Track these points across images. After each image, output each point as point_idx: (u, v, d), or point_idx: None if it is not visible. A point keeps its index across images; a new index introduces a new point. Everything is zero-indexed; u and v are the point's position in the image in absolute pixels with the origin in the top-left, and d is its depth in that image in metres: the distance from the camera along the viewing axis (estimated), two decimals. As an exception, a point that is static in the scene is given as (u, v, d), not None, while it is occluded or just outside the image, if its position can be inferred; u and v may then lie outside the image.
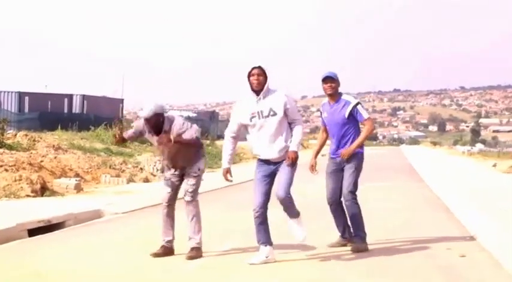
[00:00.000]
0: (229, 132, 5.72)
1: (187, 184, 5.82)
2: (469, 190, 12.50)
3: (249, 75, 5.44)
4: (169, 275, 5.16)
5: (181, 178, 5.89)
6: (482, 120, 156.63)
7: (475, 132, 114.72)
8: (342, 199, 6.23)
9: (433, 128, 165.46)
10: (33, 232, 7.14)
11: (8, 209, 8.39)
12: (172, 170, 5.88)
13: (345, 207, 6.24)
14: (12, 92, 27.80)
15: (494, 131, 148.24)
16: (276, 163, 5.52)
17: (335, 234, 6.65)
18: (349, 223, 6.25)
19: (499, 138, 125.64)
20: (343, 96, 6.22)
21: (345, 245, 6.28)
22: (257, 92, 5.47)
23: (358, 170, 6.17)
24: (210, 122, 39.53)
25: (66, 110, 29.48)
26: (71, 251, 6.08)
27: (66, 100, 29.92)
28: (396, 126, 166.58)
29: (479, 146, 65.62)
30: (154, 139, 5.88)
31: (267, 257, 5.46)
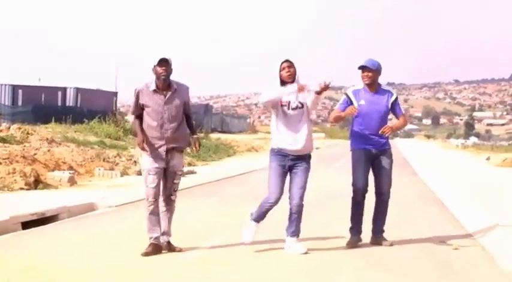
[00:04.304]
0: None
1: (174, 183, 5.70)
2: (463, 184, 12.52)
3: (280, 69, 5.47)
4: (163, 267, 5.14)
5: (162, 171, 5.61)
6: (476, 114, 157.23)
7: (469, 126, 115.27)
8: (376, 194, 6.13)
9: (427, 121, 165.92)
10: (26, 225, 7.11)
11: (1, 201, 8.35)
12: (155, 163, 5.54)
13: (379, 203, 6.16)
14: (5, 85, 27.70)
15: (488, 125, 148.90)
16: (294, 158, 5.51)
17: (332, 229, 6.67)
18: (375, 219, 6.19)
19: (492, 131, 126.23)
20: (383, 87, 6.17)
21: (360, 241, 6.10)
22: (286, 84, 5.48)
23: (392, 165, 6.17)
24: (204, 115, 39.46)
25: (59, 103, 29.39)
26: (64, 244, 6.05)
27: (59, 93, 29.82)
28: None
29: (473, 139, 65.96)
30: (160, 99, 5.52)
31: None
